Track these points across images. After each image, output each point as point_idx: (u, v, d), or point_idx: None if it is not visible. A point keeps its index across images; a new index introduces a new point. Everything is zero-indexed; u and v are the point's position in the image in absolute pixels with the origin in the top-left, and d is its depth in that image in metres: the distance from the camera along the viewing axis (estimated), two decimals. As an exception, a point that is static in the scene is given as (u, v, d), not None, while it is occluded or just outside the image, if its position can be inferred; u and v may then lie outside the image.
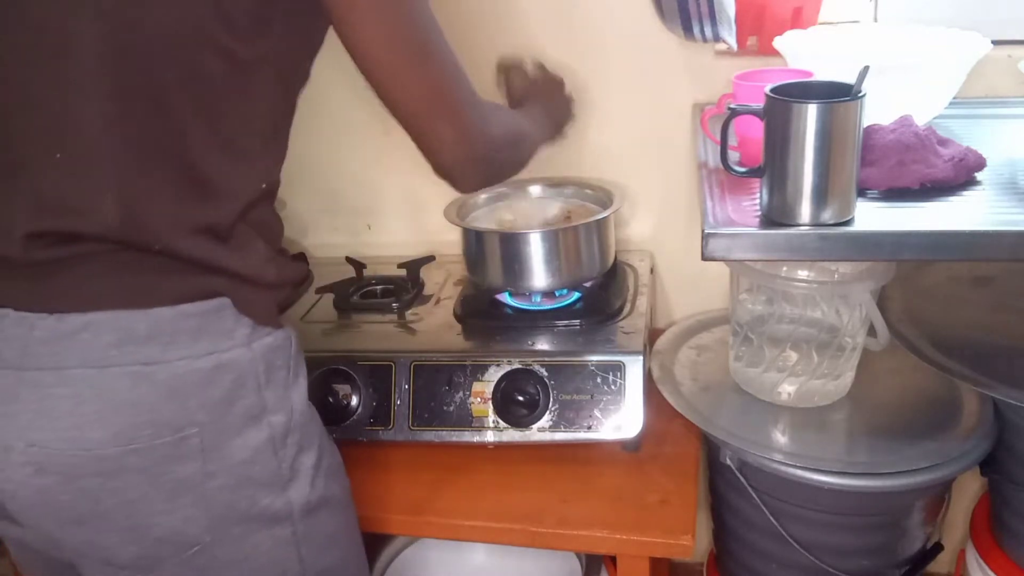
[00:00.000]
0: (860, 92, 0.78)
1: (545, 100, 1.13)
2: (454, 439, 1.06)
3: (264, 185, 0.81)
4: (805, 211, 0.80)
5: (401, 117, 0.79)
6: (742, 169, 0.88)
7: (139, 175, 0.73)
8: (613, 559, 1.05)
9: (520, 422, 1.05)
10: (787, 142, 0.79)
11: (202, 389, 0.75)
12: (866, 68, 0.78)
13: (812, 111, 0.77)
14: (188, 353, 0.75)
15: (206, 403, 0.76)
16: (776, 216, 0.82)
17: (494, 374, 1.06)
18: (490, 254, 1.16)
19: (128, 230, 0.73)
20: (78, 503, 0.74)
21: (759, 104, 0.81)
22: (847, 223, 0.81)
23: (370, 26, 0.75)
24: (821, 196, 0.79)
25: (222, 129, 0.76)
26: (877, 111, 0.90)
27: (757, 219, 0.84)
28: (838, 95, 0.77)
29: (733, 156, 0.99)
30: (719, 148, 0.88)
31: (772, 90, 0.80)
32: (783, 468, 1.00)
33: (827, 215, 0.80)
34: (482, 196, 1.27)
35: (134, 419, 0.73)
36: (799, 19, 1.14)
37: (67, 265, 0.73)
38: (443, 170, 0.83)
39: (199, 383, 0.75)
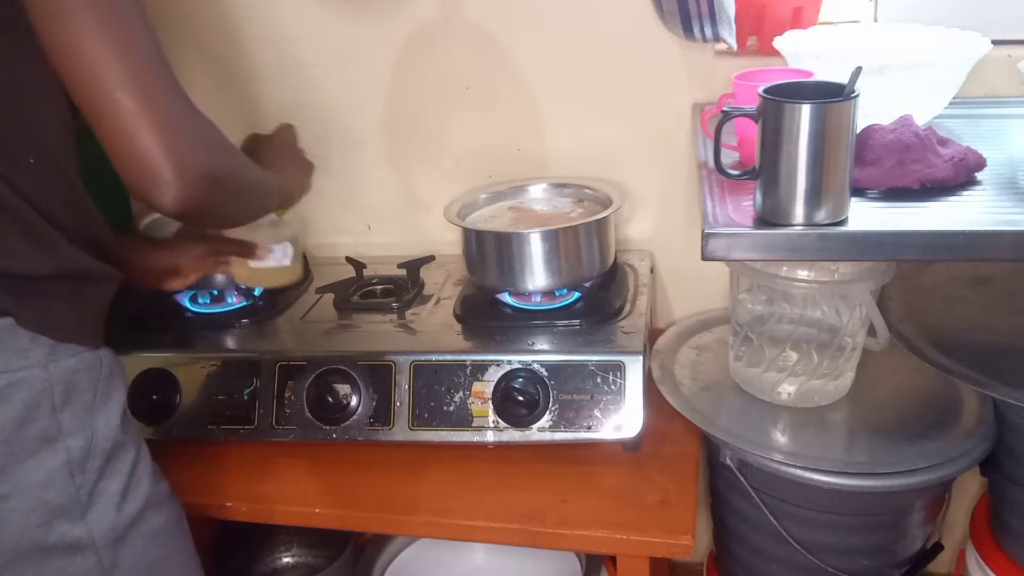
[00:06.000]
0: (853, 92, 0.78)
1: (280, 168, 1.04)
2: (454, 439, 1.06)
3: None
4: (799, 212, 0.80)
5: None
6: (735, 172, 0.87)
7: None
8: (613, 559, 1.05)
9: (520, 422, 1.05)
10: (780, 143, 0.79)
11: None
12: (858, 69, 0.78)
13: (805, 111, 0.77)
14: None
15: None
16: (770, 217, 0.82)
17: (494, 374, 1.06)
18: (490, 254, 1.16)
19: None
20: None
21: (753, 106, 0.81)
22: (840, 223, 0.81)
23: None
24: (815, 197, 0.79)
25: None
26: (877, 111, 0.90)
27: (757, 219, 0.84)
28: (831, 95, 0.77)
29: (732, 157, 0.99)
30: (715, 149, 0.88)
31: (765, 91, 0.80)
32: (783, 468, 1.00)
33: (821, 215, 0.80)
34: (482, 196, 1.28)
35: None
36: (799, 19, 1.14)
37: None
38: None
39: None
